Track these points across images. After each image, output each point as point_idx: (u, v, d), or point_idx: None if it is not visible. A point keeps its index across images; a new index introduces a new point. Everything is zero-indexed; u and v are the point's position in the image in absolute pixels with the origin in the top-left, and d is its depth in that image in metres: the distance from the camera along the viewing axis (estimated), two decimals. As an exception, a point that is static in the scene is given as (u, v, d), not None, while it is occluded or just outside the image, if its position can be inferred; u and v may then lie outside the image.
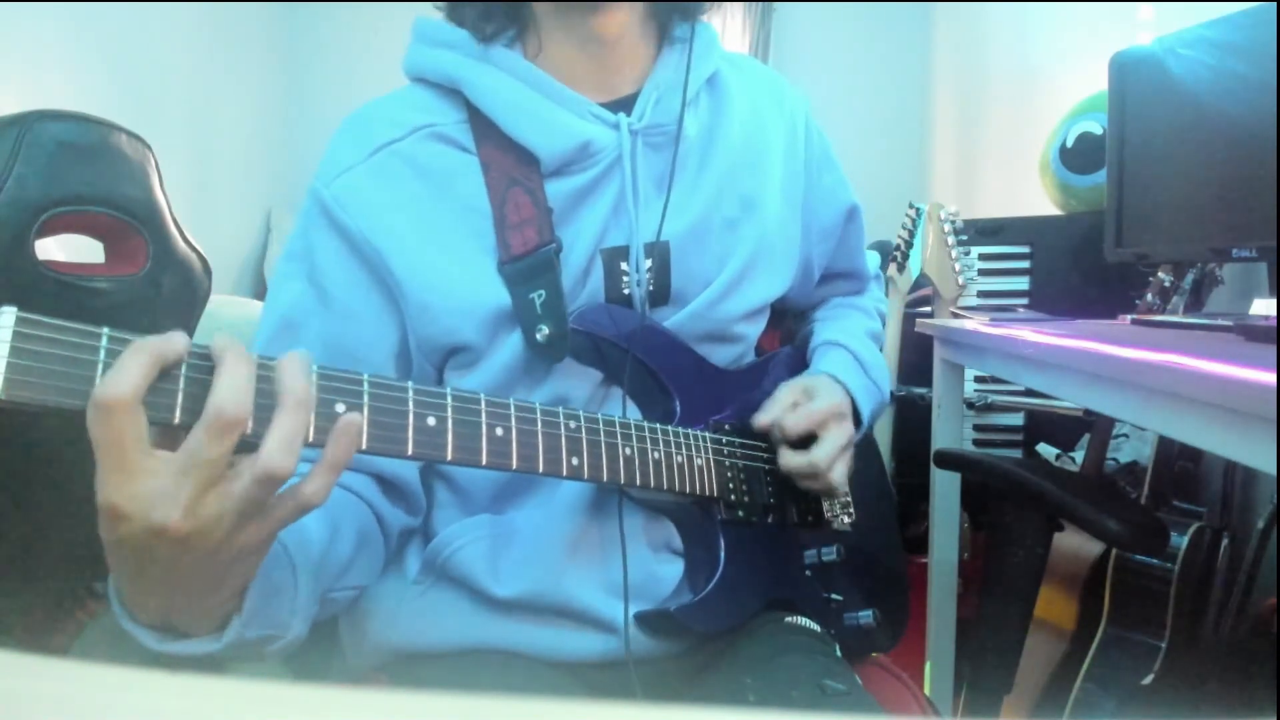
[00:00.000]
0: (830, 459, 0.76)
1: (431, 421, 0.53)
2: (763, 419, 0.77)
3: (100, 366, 0.42)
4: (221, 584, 0.50)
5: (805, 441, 0.77)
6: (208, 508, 0.44)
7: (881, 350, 0.95)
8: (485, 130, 0.72)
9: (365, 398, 0.50)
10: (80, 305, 0.77)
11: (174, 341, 0.43)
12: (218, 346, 0.45)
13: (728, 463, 0.75)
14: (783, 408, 0.77)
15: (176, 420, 0.44)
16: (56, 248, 0.80)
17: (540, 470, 0.60)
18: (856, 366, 0.86)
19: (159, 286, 0.85)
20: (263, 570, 0.53)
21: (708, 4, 0.78)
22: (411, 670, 0.73)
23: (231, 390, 0.43)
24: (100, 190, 0.79)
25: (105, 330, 0.42)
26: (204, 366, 0.45)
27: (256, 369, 0.46)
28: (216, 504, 0.44)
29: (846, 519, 0.84)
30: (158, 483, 0.43)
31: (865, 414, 0.83)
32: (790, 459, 0.76)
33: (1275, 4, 0.99)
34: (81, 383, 0.41)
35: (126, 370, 0.41)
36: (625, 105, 0.75)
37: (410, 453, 0.52)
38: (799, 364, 0.90)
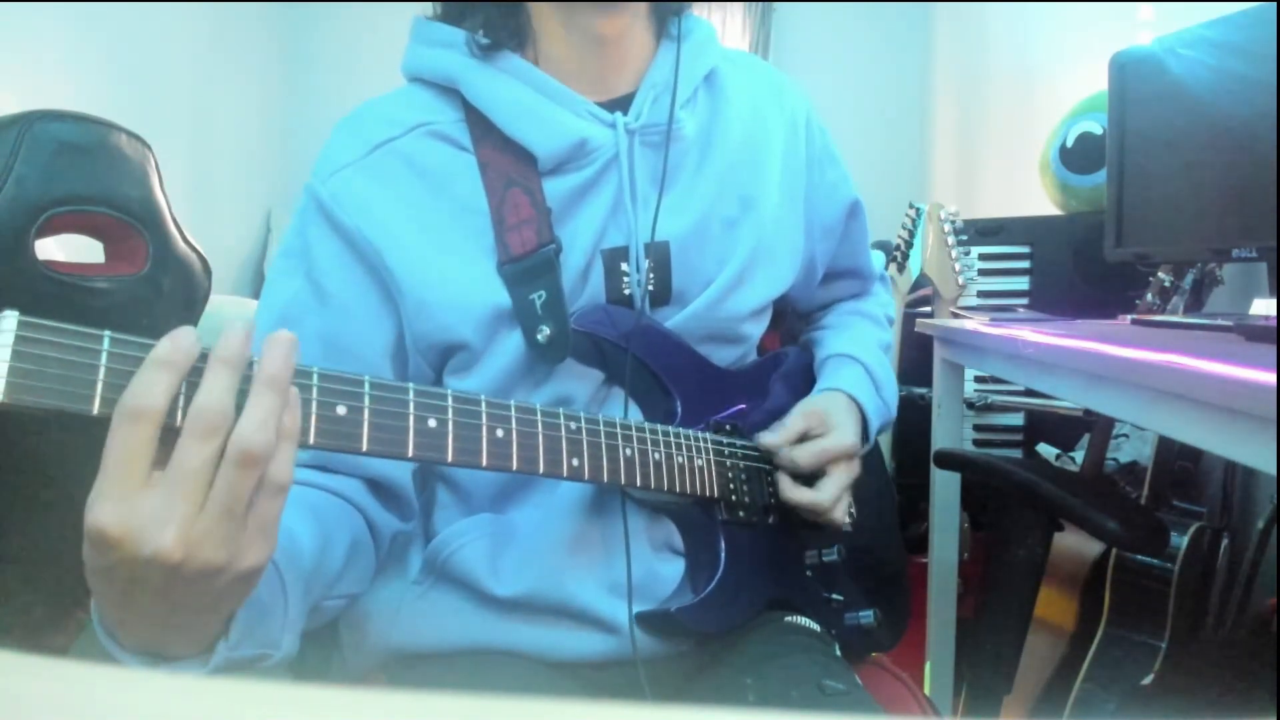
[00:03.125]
0: (834, 500, 0.77)
1: (432, 423, 0.53)
2: (770, 440, 0.77)
3: (102, 369, 0.41)
4: (218, 606, 0.48)
5: (809, 474, 0.77)
6: (199, 526, 0.42)
7: (890, 358, 0.95)
8: (483, 130, 0.72)
9: (366, 399, 0.50)
10: (80, 305, 0.77)
11: (191, 351, 0.43)
12: (213, 350, 0.44)
13: (728, 463, 0.75)
14: (793, 435, 0.77)
15: (179, 423, 0.43)
16: (56, 248, 0.80)
17: (541, 471, 0.60)
18: (870, 386, 0.86)
19: (159, 286, 0.85)
20: None
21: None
22: (411, 670, 0.73)
23: (214, 393, 0.42)
24: (100, 190, 0.79)
25: (107, 333, 0.42)
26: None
27: (246, 368, 0.44)
28: (206, 519, 0.43)
29: (847, 519, 0.84)
30: (150, 504, 0.41)
31: (872, 433, 0.84)
32: (795, 494, 0.76)
33: (1275, 4, 0.99)
34: (84, 385, 0.41)
35: (159, 381, 0.41)
36: (623, 104, 0.75)
37: (411, 454, 0.52)
38: (802, 365, 0.90)
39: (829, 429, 0.79)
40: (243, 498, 0.44)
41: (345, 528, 0.66)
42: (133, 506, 0.41)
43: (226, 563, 0.44)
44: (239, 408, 0.44)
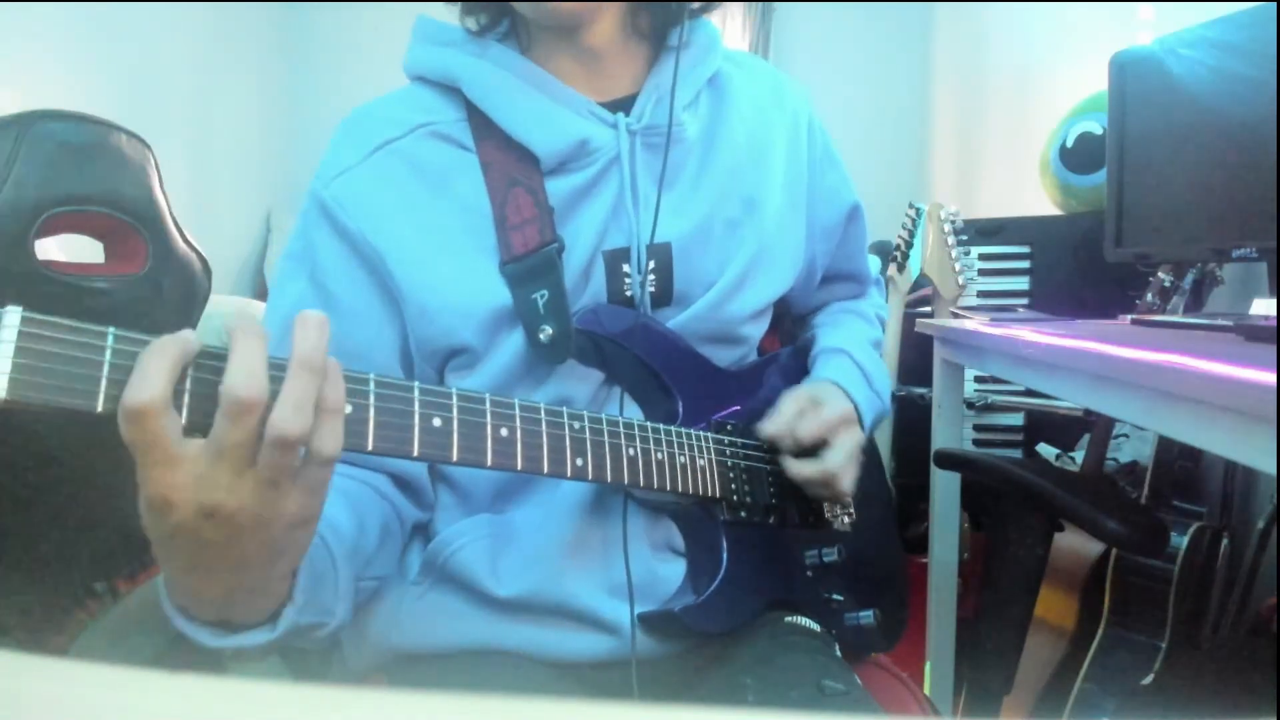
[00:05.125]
0: (842, 465, 0.76)
1: (437, 422, 0.53)
2: (769, 428, 0.76)
3: (106, 366, 0.41)
4: (279, 558, 0.50)
5: (812, 450, 0.77)
6: (248, 485, 0.45)
7: (882, 355, 0.95)
8: (485, 129, 0.72)
9: (371, 397, 0.50)
10: (80, 305, 0.77)
11: (189, 339, 0.43)
12: (229, 327, 0.45)
13: (730, 463, 0.75)
14: (789, 417, 0.76)
15: (187, 417, 0.44)
16: (56, 248, 0.80)
17: (545, 471, 0.60)
18: (860, 375, 0.86)
19: (159, 286, 0.85)
20: (307, 558, 0.54)
21: (690, 7, 0.76)
22: (411, 670, 0.73)
23: (243, 372, 0.43)
24: (100, 190, 0.79)
25: (111, 329, 0.42)
26: (215, 358, 0.45)
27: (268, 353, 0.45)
28: (254, 480, 0.45)
29: (846, 519, 0.84)
30: (198, 469, 0.43)
31: (866, 423, 0.83)
32: (801, 467, 0.75)
33: (1275, 4, 0.99)
34: (87, 382, 0.41)
35: (152, 373, 0.41)
36: (625, 105, 0.75)
37: (416, 453, 0.52)
38: (800, 365, 0.90)
39: (821, 406, 0.78)
40: (286, 471, 0.45)
41: (376, 513, 0.69)
42: (181, 471, 0.43)
43: (277, 515, 0.47)
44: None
